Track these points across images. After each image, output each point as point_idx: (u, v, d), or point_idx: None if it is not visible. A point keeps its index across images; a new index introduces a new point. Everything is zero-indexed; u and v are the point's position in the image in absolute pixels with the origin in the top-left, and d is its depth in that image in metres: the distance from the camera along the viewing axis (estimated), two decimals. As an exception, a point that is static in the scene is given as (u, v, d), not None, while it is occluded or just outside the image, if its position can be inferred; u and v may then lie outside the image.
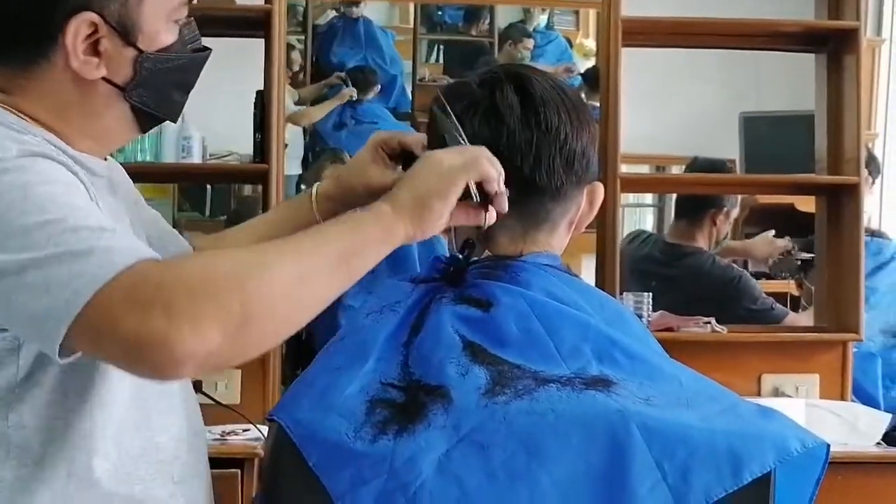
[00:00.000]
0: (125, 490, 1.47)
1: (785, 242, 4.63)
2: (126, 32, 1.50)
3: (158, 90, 1.55)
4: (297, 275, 1.32)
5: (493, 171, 1.50)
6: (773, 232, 4.74)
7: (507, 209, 1.54)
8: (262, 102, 3.45)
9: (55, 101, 1.50)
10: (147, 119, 1.58)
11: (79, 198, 1.36)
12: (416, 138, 1.73)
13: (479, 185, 1.50)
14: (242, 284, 1.27)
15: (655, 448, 1.41)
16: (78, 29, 1.47)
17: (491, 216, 1.54)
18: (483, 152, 1.51)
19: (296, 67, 6.69)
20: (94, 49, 1.49)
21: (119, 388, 1.46)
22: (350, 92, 6.61)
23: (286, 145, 4.01)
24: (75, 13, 1.47)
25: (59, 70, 1.49)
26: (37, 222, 1.29)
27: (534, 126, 1.58)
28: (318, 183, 1.84)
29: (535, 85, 1.61)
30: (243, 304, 1.25)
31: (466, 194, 1.49)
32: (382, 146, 1.73)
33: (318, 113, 6.52)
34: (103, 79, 1.50)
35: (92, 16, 1.47)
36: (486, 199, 1.52)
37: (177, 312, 1.22)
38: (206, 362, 1.24)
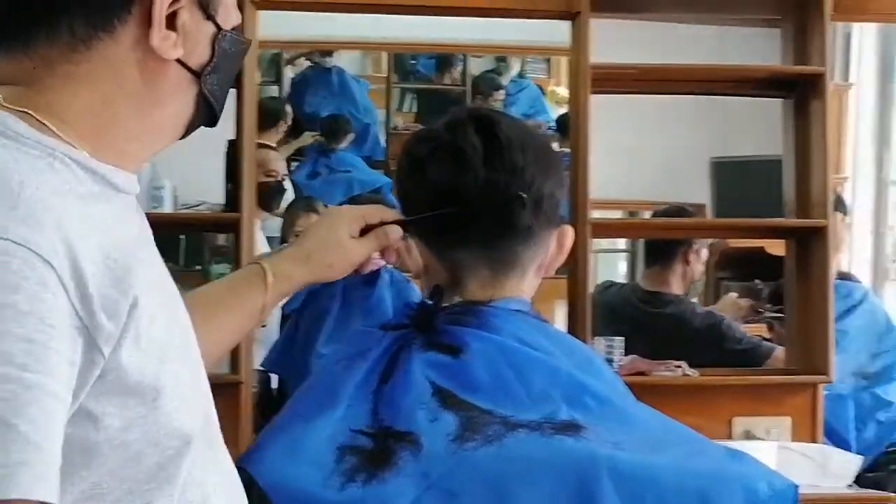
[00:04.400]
0: None
1: (748, 302, 4.71)
2: (206, 3, 1.24)
3: (224, 80, 1.29)
4: None
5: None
6: (735, 295, 4.82)
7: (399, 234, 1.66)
8: (234, 151, 3.46)
9: (100, 94, 1.18)
10: (199, 119, 1.30)
11: (45, 357, 1.01)
12: (394, 214, 1.68)
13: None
14: None
15: (624, 492, 1.41)
16: None
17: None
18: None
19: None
20: (170, 22, 1.20)
21: None
22: None
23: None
24: None
25: (123, 49, 1.18)
26: None
27: (499, 167, 1.59)
28: (269, 259, 1.67)
29: (500, 127, 1.61)
30: None
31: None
32: (362, 222, 1.66)
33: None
34: (177, 61, 1.22)
35: None
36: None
37: None
38: None
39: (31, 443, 0.98)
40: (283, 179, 5.27)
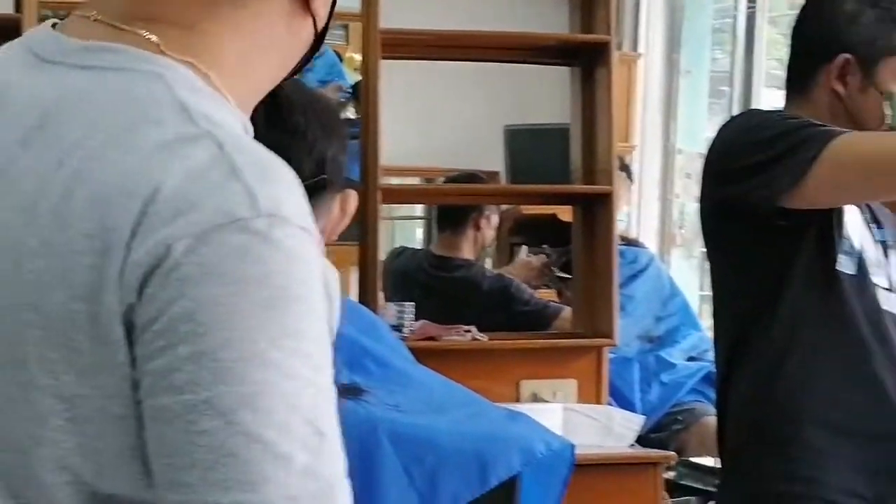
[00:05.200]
0: None
1: (540, 260, 4.79)
2: None
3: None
4: None
5: None
6: (524, 250, 4.90)
7: None
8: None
9: (255, 42, 1.08)
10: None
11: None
12: None
13: None
14: None
15: (403, 454, 1.42)
16: None
17: None
18: None
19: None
20: None
21: None
22: None
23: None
24: None
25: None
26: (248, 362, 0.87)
27: (280, 128, 1.57)
28: None
29: (282, 88, 1.60)
30: None
31: None
32: None
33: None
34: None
35: None
36: None
37: None
38: None
39: (340, 449, 0.93)
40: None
